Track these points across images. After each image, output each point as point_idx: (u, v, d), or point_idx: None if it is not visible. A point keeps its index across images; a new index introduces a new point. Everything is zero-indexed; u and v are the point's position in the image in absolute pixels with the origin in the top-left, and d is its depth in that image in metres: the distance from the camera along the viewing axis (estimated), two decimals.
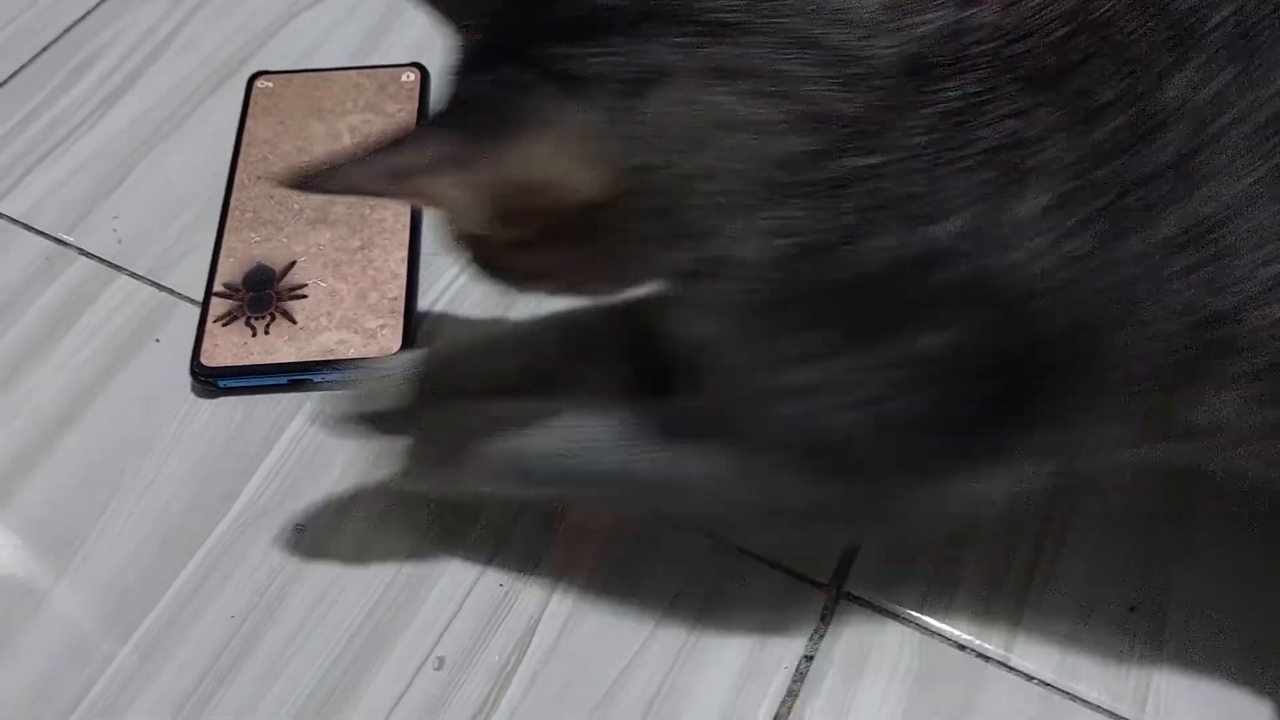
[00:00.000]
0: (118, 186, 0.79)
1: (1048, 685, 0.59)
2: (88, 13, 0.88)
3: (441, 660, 0.60)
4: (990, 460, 0.50)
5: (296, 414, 0.68)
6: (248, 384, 0.68)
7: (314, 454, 0.67)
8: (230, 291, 0.71)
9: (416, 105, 0.79)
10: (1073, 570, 0.62)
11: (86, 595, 0.62)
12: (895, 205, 0.44)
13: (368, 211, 0.75)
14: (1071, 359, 0.46)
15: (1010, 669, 0.60)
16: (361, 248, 0.73)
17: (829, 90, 0.45)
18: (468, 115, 0.45)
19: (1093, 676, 0.59)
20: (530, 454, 0.58)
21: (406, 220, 0.74)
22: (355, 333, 0.69)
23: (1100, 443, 0.50)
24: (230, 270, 0.72)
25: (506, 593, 0.62)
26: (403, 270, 0.72)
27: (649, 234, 0.47)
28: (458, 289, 0.73)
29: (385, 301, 0.71)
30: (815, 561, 0.63)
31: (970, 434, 0.49)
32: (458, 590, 0.62)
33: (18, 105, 0.83)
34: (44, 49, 0.86)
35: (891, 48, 0.45)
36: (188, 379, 0.69)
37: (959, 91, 0.45)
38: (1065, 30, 0.45)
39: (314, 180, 0.42)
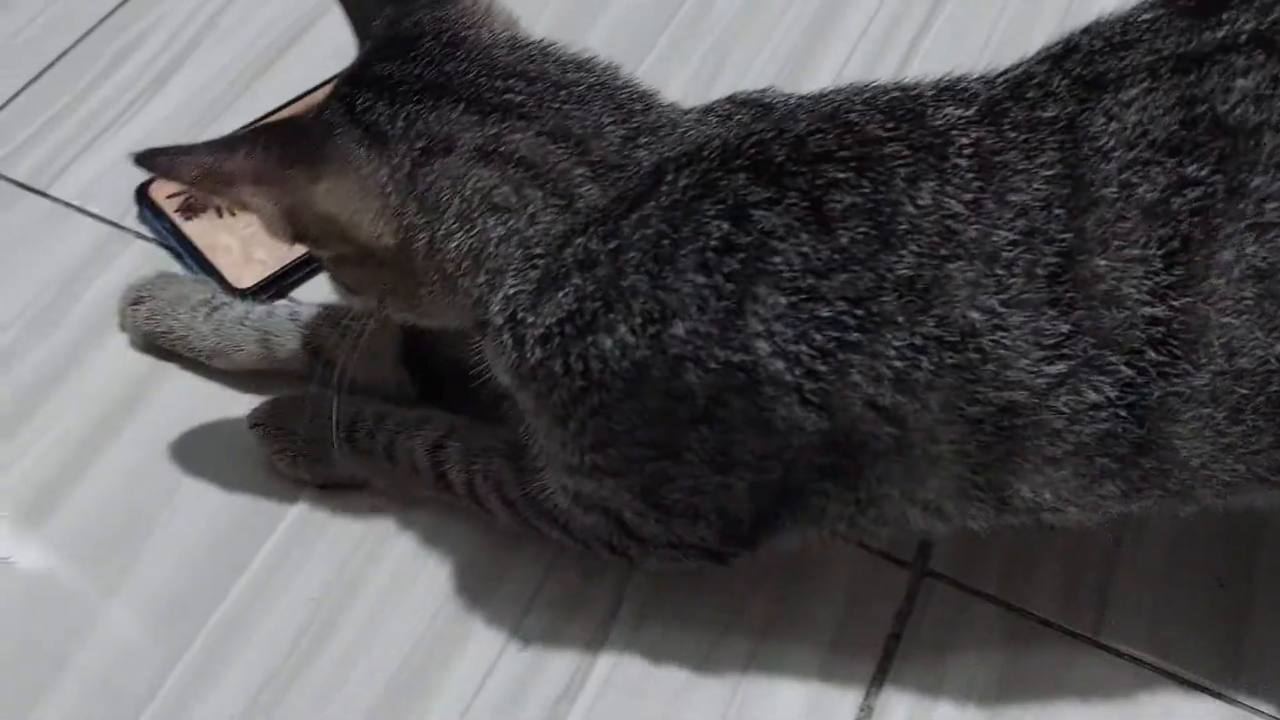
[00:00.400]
0: None
1: (1138, 661, 0.59)
2: None
3: (526, 641, 0.60)
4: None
5: None
6: (154, 229, 0.74)
7: None
8: None
9: None
10: (1158, 546, 0.62)
11: (163, 576, 0.61)
12: (627, 298, 0.48)
13: None
14: (869, 440, 0.48)
15: (1099, 645, 0.59)
16: None
17: (589, 187, 0.49)
18: (287, 136, 0.51)
19: (1183, 651, 0.59)
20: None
21: None
22: (241, 250, 0.71)
23: (954, 513, 0.51)
24: None
25: (587, 572, 0.62)
26: None
27: (431, 284, 0.52)
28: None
29: (285, 249, 0.69)
30: (898, 539, 0.63)
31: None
32: (537, 569, 0.62)
33: (65, 88, 0.82)
34: (88, 31, 0.85)
35: (652, 157, 0.50)
36: None
37: (690, 179, 0.48)
38: (809, 127, 0.48)
39: (150, 159, 0.49)
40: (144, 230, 0.74)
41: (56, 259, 0.73)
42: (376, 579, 0.61)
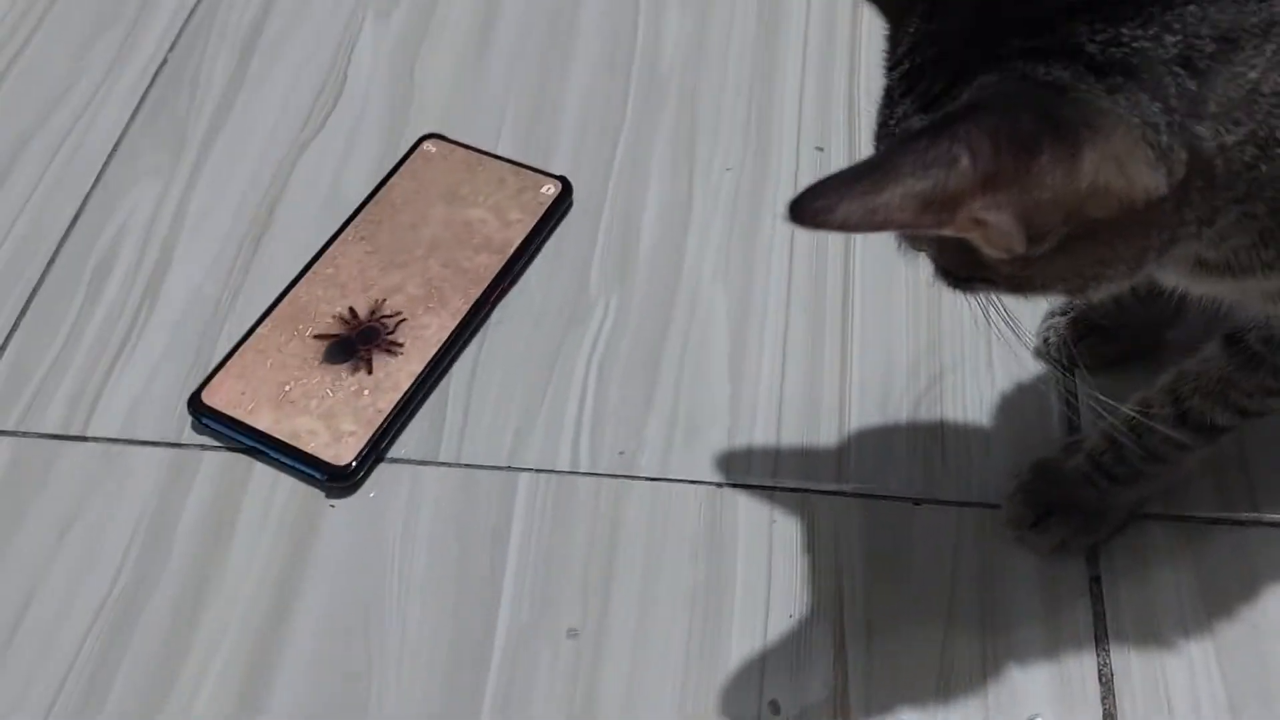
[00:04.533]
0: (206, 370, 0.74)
1: None
2: (81, 206, 0.83)
3: (776, 703, 0.60)
4: None
5: (510, 530, 0.67)
6: (221, 435, 0.71)
7: (547, 556, 0.66)
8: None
9: (535, 221, 0.78)
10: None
11: None
12: None
13: (421, 313, 0.74)
14: None
15: (1266, 524, 0.64)
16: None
17: None
18: (1008, 122, 0.39)
19: None
20: None
21: (443, 337, 0.73)
22: (327, 428, 0.70)
23: None
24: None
25: (799, 620, 0.63)
26: (405, 386, 0.71)
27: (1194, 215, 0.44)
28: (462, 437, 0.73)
29: (370, 410, 0.70)
30: None
31: None
32: (754, 635, 0.63)
33: (54, 322, 0.77)
34: (53, 256, 0.80)
35: None
36: (391, 530, 0.67)
37: None
38: None
39: (811, 209, 0.38)
40: (207, 440, 0.71)
41: (133, 499, 0.69)
42: (610, 693, 0.61)
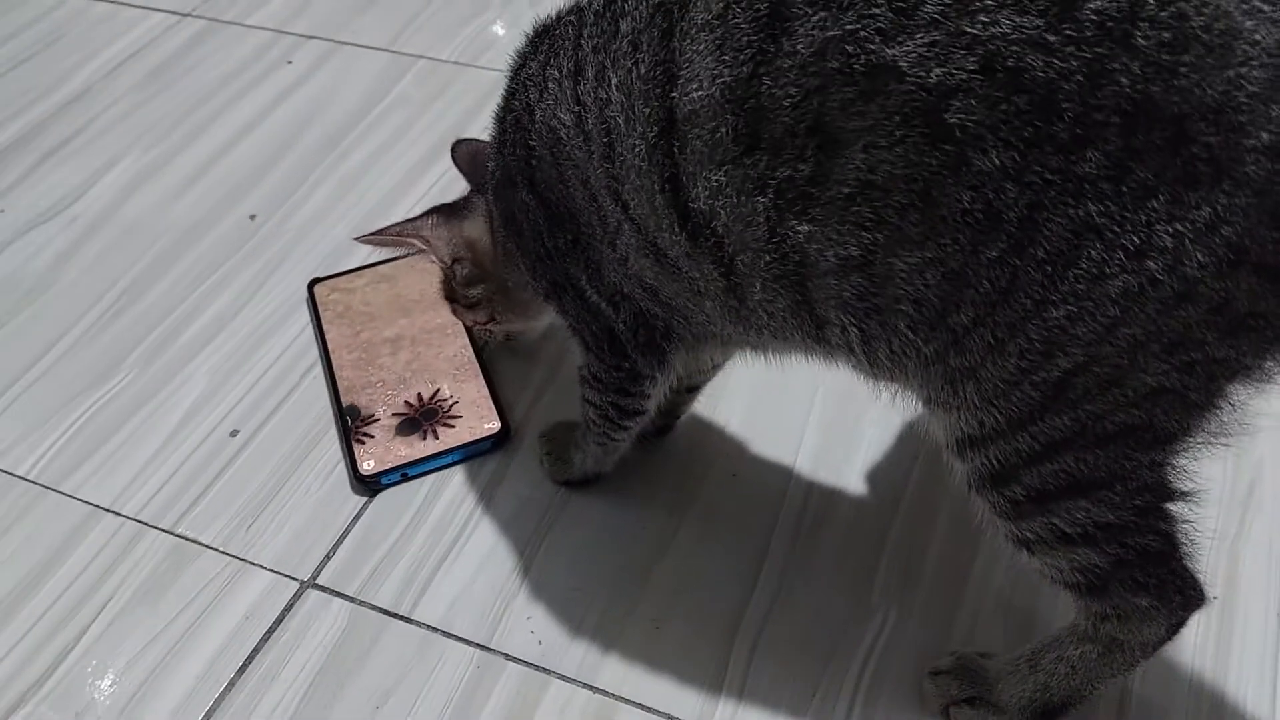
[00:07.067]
0: (521, 585, 0.84)
1: None
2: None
3: None
4: None
5: None
6: (397, 478, 0.91)
7: None
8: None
9: None
10: None
11: None
12: None
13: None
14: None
15: None
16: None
17: None
18: (449, 208, 0.87)
19: None
20: None
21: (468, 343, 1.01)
22: (465, 429, 0.94)
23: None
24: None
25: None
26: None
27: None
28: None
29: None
30: None
31: None
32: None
33: (395, 513, 0.89)
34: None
35: None
36: None
37: None
38: None
39: (365, 237, 0.87)
40: (512, 649, 0.80)
41: (442, 688, 0.78)
42: None
